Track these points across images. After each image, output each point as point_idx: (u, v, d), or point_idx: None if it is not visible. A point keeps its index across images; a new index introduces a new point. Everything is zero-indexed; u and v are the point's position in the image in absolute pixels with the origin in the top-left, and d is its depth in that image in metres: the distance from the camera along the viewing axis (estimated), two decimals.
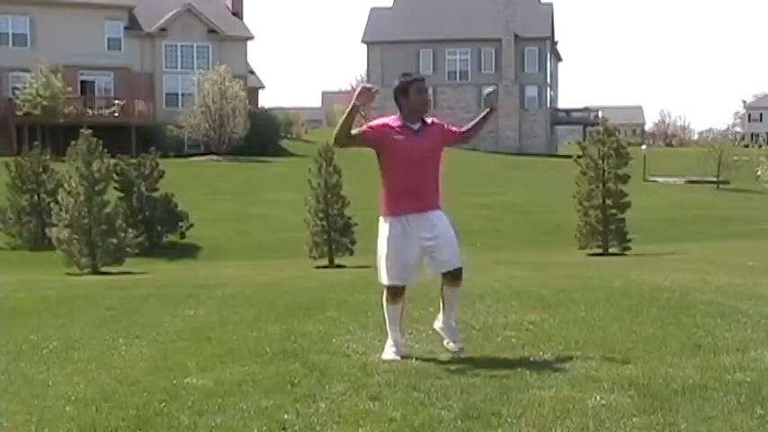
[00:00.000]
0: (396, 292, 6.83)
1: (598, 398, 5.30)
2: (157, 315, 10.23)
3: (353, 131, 6.70)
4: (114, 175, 32.76)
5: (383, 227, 6.74)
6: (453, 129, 7.08)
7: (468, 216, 40.10)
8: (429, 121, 6.83)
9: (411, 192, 6.65)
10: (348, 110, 6.60)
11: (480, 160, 66.99)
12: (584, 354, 6.81)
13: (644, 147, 73.61)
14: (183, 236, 36.58)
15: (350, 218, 29.68)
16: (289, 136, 77.48)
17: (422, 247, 6.66)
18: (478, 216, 39.91)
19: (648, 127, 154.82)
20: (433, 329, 7.20)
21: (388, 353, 6.82)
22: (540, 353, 6.87)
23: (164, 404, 5.44)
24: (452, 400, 5.36)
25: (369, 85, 6.64)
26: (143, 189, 35.68)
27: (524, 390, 5.57)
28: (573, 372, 6.11)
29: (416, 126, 6.76)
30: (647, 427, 4.69)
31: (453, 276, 6.73)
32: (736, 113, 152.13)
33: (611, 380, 5.75)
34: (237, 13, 72.09)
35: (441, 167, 6.91)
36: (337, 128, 6.66)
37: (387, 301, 6.90)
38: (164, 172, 36.46)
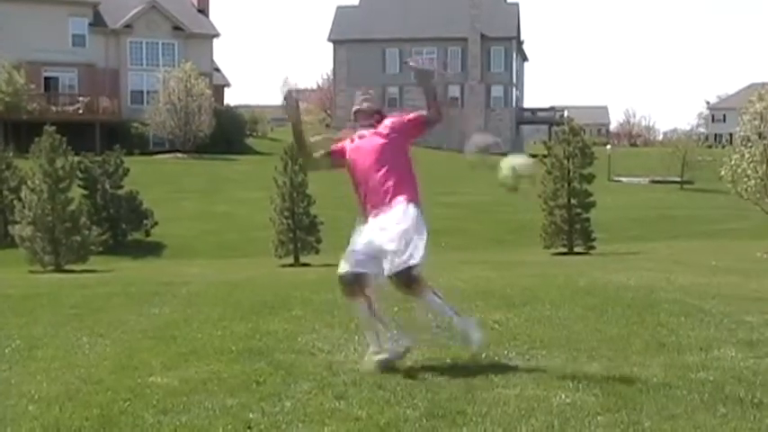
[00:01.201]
0: (345, 282, 6.28)
1: (563, 396, 5.32)
2: (122, 313, 10.16)
3: (316, 154, 6.61)
4: (78, 172, 32.49)
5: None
6: (407, 117, 6.58)
7: (433, 215, 40.15)
8: (388, 122, 6.60)
9: (370, 195, 6.50)
10: (292, 131, 6.40)
11: (445, 159, 67.08)
12: (549, 353, 6.85)
13: (609, 146, 74.09)
14: (147, 234, 36.37)
15: (315, 216, 29.64)
16: (254, 134, 77.24)
17: (377, 245, 6.17)
18: (444, 215, 39.99)
19: (613, 127, 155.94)
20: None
21: (368, 362, 6.30)
22: (506, 352, 6.90)
23: (128, 403, 5.40)
24: (418, 398, 5.37)
25: (289, 90, 6.50)
26: (107, 187, 35.42)
27: (490, 388, 5.59)
28: (538, 371, 6.13)
29: (368, 131, 6.57)
30: (612, 425, 4.72)
31: (397, 282, 6.08)
32: (700, 114, 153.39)
33: (576, 378, 5.78)
34: (203, 11, 71.74)
35: (405, 161, 6.55)
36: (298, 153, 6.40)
37: (344, 296, 6.43)
38: (128, 170, 36.22)
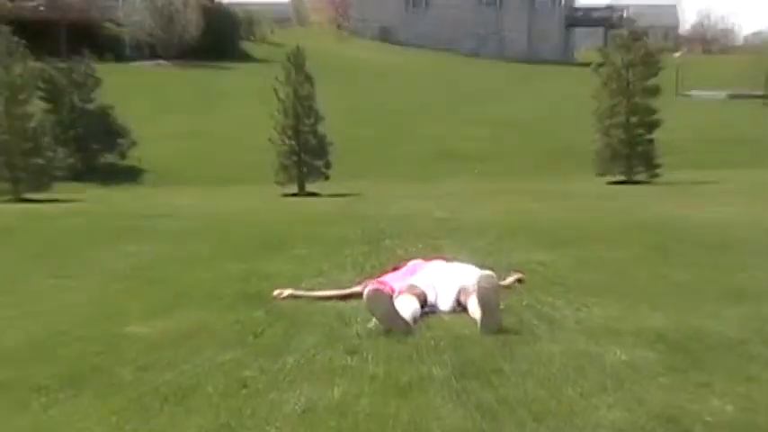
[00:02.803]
0: None
1: (618, 353, 5.33)
2: (93, 252, 10.22)
3: None
4: (40, 82, 32.44)
5: None
6: None
7: (464, 136, 40.09)
8: None
9: None
10: None
11: (482, 71, 66.71)
12: (602, 301, 6.85)
13: (678, 54, 73.43)
14: (123, 156, 36.40)
15: (325, 136, 29.56)
16: (251, 38, 76.77)
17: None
18: (477, 136, 39.88)
19: (684, 30, 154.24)
20: None
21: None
22: (550, 299, 6.90)
23: (100, 357, 5.45)
24: (446, 354, 5.38)
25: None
26: (75, 100, 35.39)
27: (531, 343, 5.60)
28: (589, 322, 6.14)
29: None
30: (677, 387, 4.73)
31: None
32: None
33: (634, 332, 5.78)
34: None
35: None
36: None
37: None
38: (100, 80, 36.13)
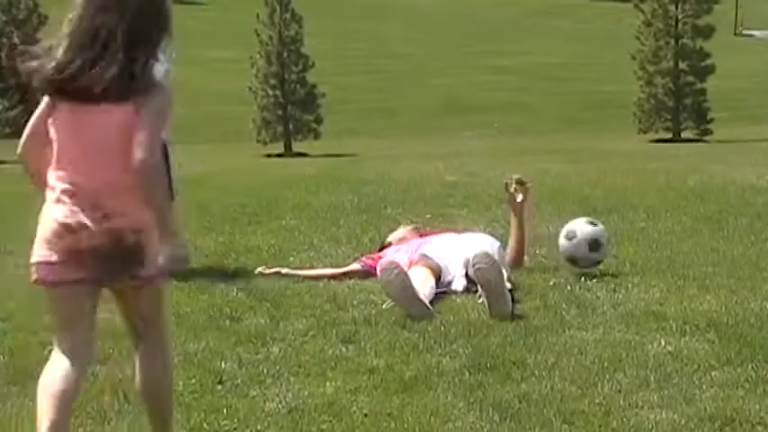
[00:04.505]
0: None
1: (663, 342, 5.34)
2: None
3: None
4: None
5: None
6: None
7: (479, 84, 40.01)
8: None
9: None
10: None
11: (498, 4, 66.54)
12: (644, 281, 6.85)
13: None
14: None
15: (314, 86, 29.55)
16: None
17: None
18: (495, 85, 39.84)
19: None
20: None
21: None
22: (582, 278, 6.91)
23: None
24: (458, 343, 5.39)
25: None
26: (17, 40, 35.31)
27: (559, 331, 5.61)
28: (627, 306, 6.15)
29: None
30: (732, 382, 4.74)
31: None
32: None
33: (681, 318, 5.79)
34: None
35: None
36: None
37: None
38: (46, 17, 36.07)
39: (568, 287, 6.66)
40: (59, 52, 3.72)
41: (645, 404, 4.45)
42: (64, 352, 3.87)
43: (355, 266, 7.26)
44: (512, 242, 7.46)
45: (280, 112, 29.17)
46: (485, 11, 58.89)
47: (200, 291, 6.72)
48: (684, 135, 30.58)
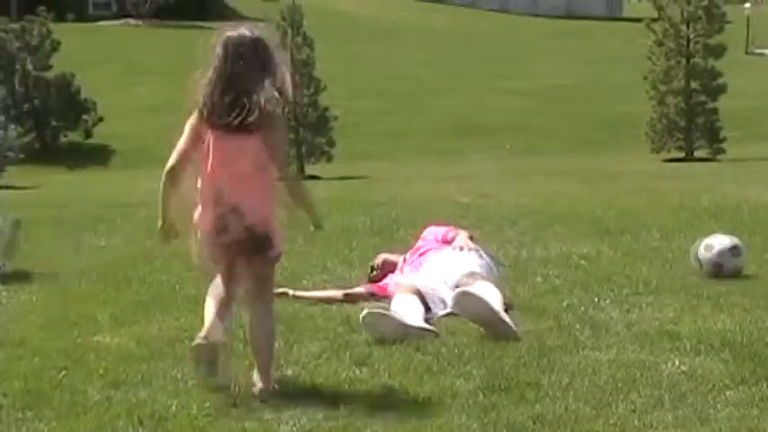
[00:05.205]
0: None
1: (677, 362, 5.34)
2: (53, 246, 10.24)
3: None
4: None
5: None
6: None
7: (493, 106, 40.02)
8: None
9: None
10: None
11: (513, 26, 66.59)
12: (657, 300, 6.85)
13: (748, 5, 72.97)
14: (88, 134, 36.41)
15: (327, 109, 29.58)
16: None
17: None
18: (508, 107, 39.80)
19: None
20: None
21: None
22: (596, 299, 6.91)
23: (63, 373, 5.46)
24: (471, 364, 5.40)
25: None
26: (30, 67, 35.39)
27: (573, 351, 5.61)
28: (641, 326, 6.14)
29: None
30: (747, 402, 4.73)
31: None
32: None
33: (695, 337, 5.79)
34: None
35: None
36: None
37: None
38: (59, 42, 36.13)
39: (582, 308, 6.66)
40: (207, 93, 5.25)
41: (659, 424, 4.45)
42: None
43: (360, 289, 7.34)
44: None
45: (292, 136, 29.18)
46: (497, 34, 58.86)
47: None
48: (697, 154, 30.50)
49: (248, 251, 5.20)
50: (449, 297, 6.65)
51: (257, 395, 4.95)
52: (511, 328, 5.99)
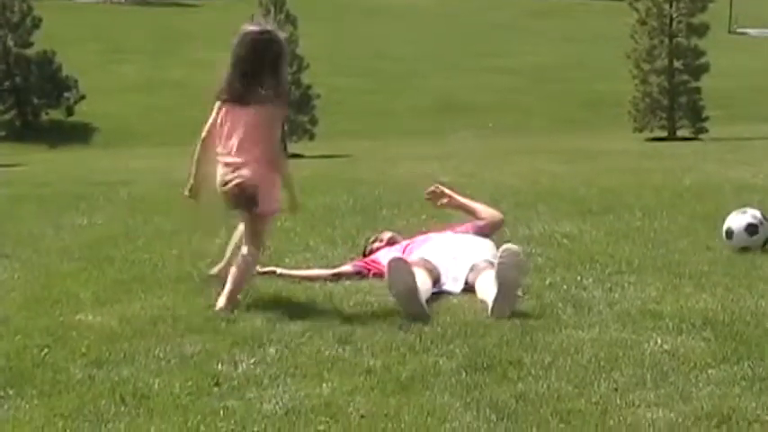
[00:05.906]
0: None
1: (659, 341, 5.34)
2: (34, 225, 10.21)
3: None
4: None
5: None
6: None
7: (476, 85, 40.04)
8: None
9: None
10: None
11: (496, 5, 66.60)
12: (639, 279, 6.86)
13: None
14: (70, 112, 36.40)
15: (309, 87, 29.56)
16: None
17: None
18: (491, 86, 39.86)
19: None
20: None
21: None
22: (578, 278, 6.91)
23: (46, 351, 5.45)
24: (454, 343, 5.39)
25: None
26: (11, 44, 35.30)
27: (556, 330, 5.62)
28: (623, 305, 6.15)
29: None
30: (729, 380, 4.74)
31: None
32: None
33: (677, 316, 5.79)
34: None
35: None
36: None
37: None
38: (41, 19, 36.06)
39: (564, 287, 6.67)
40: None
41: (641, 403, 4.45)
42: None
43: (347, 268, 7.31)
44: (480, 223, 7.66)
45: None
46: (480, 12, 58.86)
47: (196, 293, 6.72)
48: (680, 133, 30.65)
49: (239, 205, 6.54)
50: (461, 273, 6.72)
51: (216, 311, 6.14)
52: (511, 307, 6.01)
